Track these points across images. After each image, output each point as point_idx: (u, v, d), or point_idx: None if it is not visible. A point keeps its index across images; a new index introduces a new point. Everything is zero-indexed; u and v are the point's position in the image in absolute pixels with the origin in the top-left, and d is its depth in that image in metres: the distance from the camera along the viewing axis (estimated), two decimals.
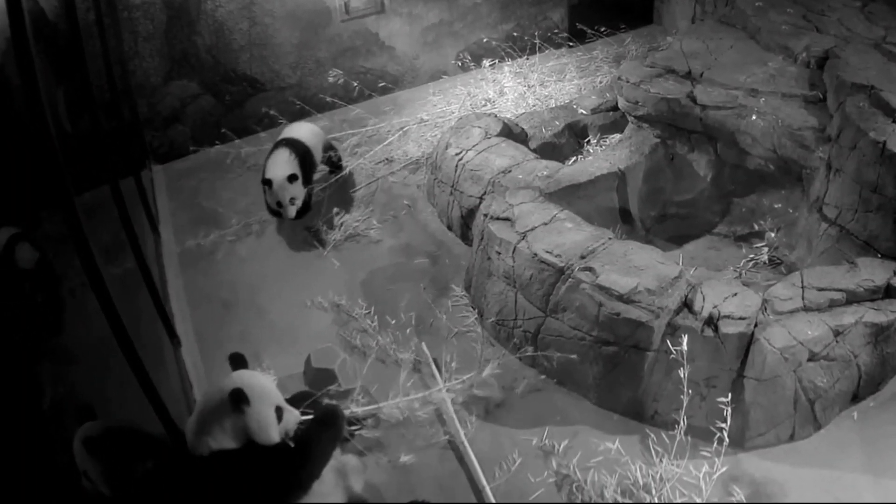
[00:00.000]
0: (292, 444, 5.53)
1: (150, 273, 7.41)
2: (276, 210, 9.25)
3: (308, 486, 5.53)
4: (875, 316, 6.66)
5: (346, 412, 6.62)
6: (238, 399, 5.22)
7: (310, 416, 5.95)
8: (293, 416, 5.68)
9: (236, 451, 5.25)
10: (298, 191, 9.11)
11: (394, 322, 7.94)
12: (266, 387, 5.59)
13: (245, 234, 9.56)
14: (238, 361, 5.72)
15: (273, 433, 5.45)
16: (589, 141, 10.27)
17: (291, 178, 8.97)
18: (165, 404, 5.41)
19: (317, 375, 7.17)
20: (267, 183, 9.03)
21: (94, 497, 4.64)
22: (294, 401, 6.01)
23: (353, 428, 6.83)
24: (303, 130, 9.95)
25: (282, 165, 9.10)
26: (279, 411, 5.52)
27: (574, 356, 6.98)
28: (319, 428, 5.74)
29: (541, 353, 7.25)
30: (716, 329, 6.52)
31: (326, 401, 6.53)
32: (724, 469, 6.21)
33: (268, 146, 10.84)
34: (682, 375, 6.26)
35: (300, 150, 9.41)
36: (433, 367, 7.43)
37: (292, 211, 9.12)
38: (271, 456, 5.38)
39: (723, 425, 6.18)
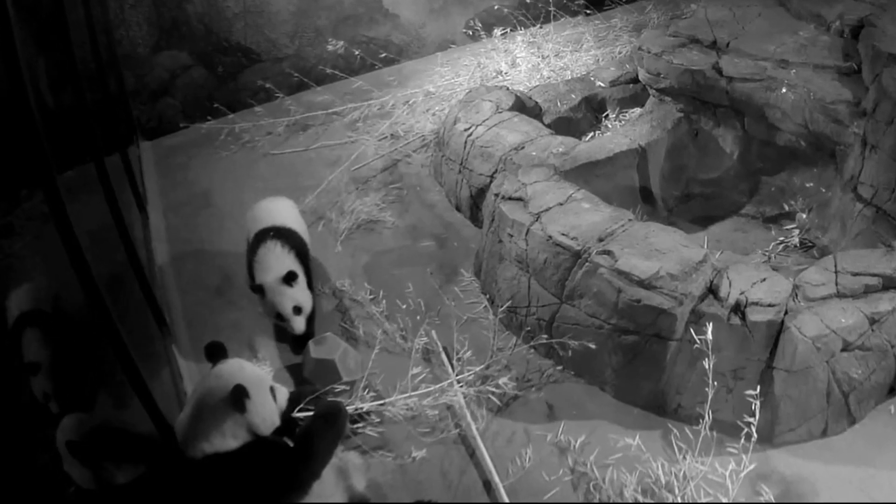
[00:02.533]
0: (291, 444, 5.52)
1: (137, 257, 7.39)
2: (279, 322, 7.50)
3: (308, 488, 5.52)
4: None
5: (350, 408, 6.60)
6: (239, 396, 5.21)
7: (310, 413, 5.94)
8: (282, 394, 5.71)
9: (232, 452, 5.24)
10: (303, 295, 7.35)
11: (404, 307, 7.94)
12: (257, 373, 5.62)
13: (238, 215, 9.51)
14: (217, 351, 5.67)
15: (276, 418, 5.50)
16: (607, 115, 10.26)
17: (290, 278, 7.20)
18: (155, 398, 5.40)
19: (316, 367, 7.14)
20: (257, 290, 7.29)
21: (79, 488, 4.63)
22: (295, 397, 6.01)
23: (357, 426, 6.81)
24: (282, 211, 8.19)
25: (274, 263, 7.36)
26: (272, 391, 5.56)
27: (592, 345, 6.96)
28: (320, 425, 5.72)
29: (556, 342, 7.23)
30: (743, 317, 6.48)
31: (330, 396, 6.51)
32: (751, 467, 6.19)
33: (264, 122, 10.85)
34: (706, 366, 6.23)
35: (294, 241, 7.70)
36: (443, 357, 7.42)
37: (300, 323, 7.30)
38: (269, 456, 5.37)
39: (751, 420, 6.14)
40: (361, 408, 6.82)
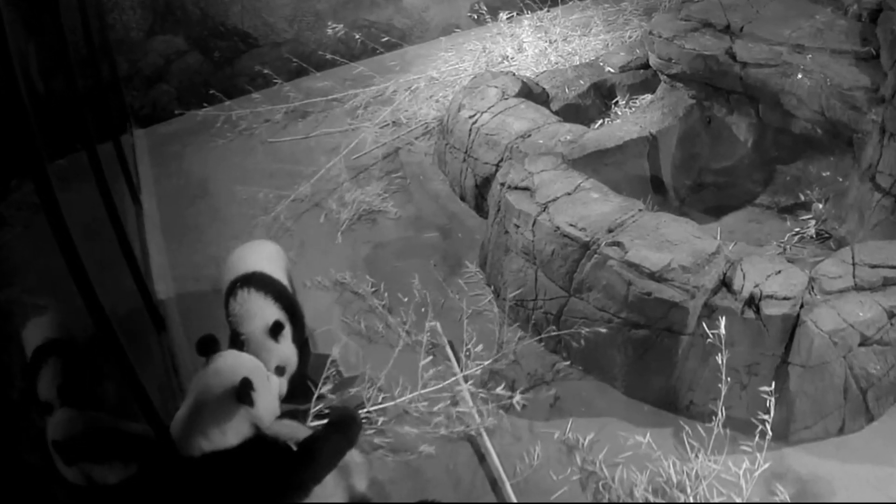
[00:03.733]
0: (294, 448, 5.49)
1: (131, 249, 7.39)
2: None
3: (308, 490, 5.50)
4: None
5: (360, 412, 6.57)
6: (246, 389, 5.19)
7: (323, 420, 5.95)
8: (276, 383, 5.74)
9: (231, 450, 5.22)
10: (288, 352, 6.52)
11: (405, 300, 7.92)
12: (255, 363, 5.59)
13: (235, 205, 9.51)
14: (210, 345, 5.63)
15: (277, 407, 5.50)
16: (617, 102, 10.25)
17: (276, 330, 6.38)
18: (149, 394, 5.39)
19: (315, 363, 7.13)
20: (237, 342, 6.38)
21: (70, 488, 4.63)
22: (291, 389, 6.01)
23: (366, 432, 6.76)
24: (263, 256, 7.24)
25: (258, 311, 6.53)
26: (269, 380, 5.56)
27: (602, 335, 6.96)
28: (330, 432, 5.67)
29: (564, 333, 7.22)
30: (757, 310, 6.47)
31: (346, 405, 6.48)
32: (766, 466, 6.16)
33: (262, 108, 10.84)
34: (720, 362, 6.22)
35: (277, 290, 6.85)
36: (449, 351, 7.43)
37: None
38: (268, 455, 5.35)
39: (765, 417, 6.13)
40: (371, 413, 6.80)
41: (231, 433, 5.23)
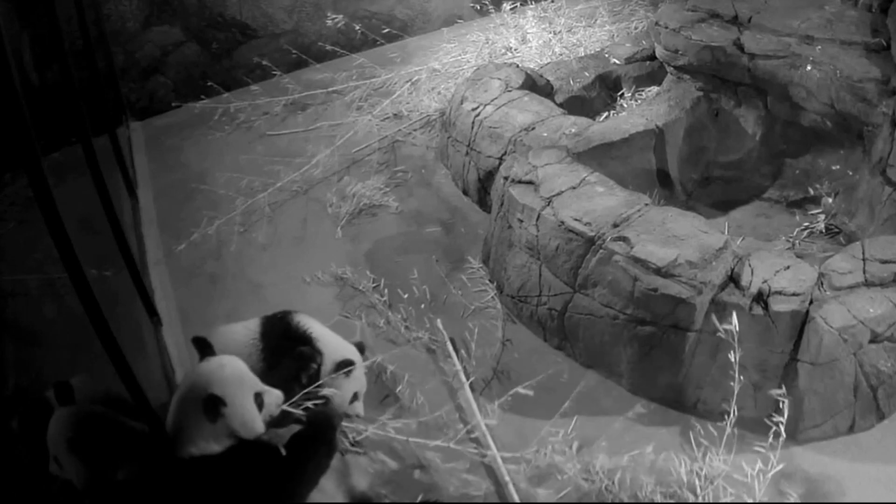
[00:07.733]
0: (283, 452, 5.44)
1: (126, 243, 7.38)
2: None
3: (305, 498, 5.47)
4: None
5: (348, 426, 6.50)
6: (213, 405, 5.14)
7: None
8: (274, 398, 5.56)
9: (220, 455, 5.19)
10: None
11: (405, 296, 7.91)
12: (241, 375, 5.47)
13: (234, 199, 9.49)
14: (204, 345, 5.61)
15: (258, 426, 5.38)
16: (623, 94, 10.22)
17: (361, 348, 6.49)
18: (145, 392, 5.38)
19: None
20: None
21: (63, 484, 4.64)
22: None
23: (358, 450, 6.69)
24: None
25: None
26: (259, 397, 5.44)
27: (606, 336, 6.95)
28: (310, 439, 5.62)
29: (568, 333, 7.20)
30: (766, 306, 6.46)
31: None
32: (780, 467, 6.07)
33: (261, 101, 10.83)
34: (730, 359, 6.18)
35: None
36: (450, 349, 7.40)
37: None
38: (261, 463, 5.32)
39: (775, 415, 6.08)
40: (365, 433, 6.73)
41: (212, 441, 5.20)
